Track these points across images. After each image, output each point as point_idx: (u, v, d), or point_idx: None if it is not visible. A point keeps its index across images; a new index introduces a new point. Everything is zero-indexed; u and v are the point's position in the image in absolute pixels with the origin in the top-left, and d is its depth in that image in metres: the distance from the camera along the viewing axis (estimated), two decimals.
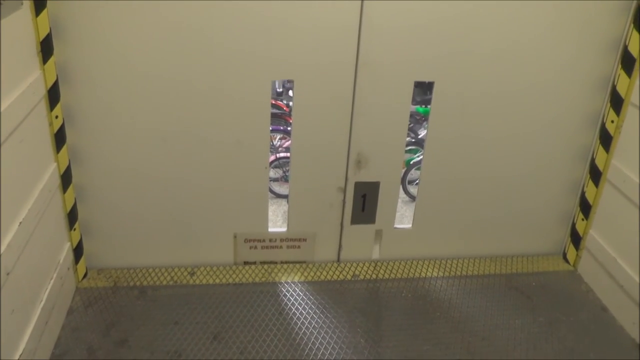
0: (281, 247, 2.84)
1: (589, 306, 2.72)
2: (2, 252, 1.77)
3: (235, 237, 2.78)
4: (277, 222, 4.87)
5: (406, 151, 5.52)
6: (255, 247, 2.82)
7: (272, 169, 5.15)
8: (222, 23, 2.30)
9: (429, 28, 2.41)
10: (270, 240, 2.82)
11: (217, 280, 2.74)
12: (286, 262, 2.88)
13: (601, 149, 2.69)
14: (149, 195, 2.62)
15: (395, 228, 2.90)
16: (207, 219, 2.72)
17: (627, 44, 2.47)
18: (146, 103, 2.41)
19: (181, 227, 2.73)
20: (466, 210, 2.91)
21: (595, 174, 2.75)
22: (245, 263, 2.84)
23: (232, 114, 2.49)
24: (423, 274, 2.88)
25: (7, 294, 1.82)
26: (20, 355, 1.92)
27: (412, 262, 2.94)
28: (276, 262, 2.86)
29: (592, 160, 2.76)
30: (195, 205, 2.68)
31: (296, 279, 2.80)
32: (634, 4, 2.44)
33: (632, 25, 2.44)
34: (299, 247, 2.85)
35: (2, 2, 1.74)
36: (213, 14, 2.28)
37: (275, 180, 5.40)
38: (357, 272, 2.85)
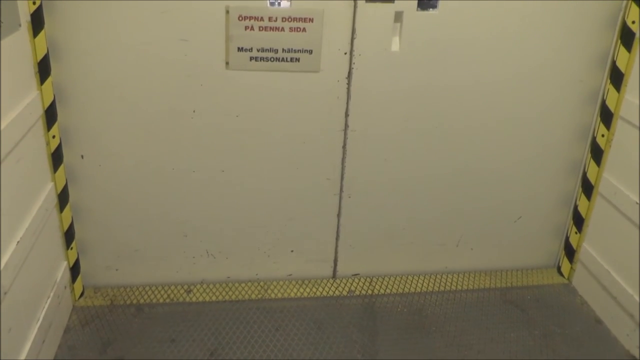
0: (283, 29, 2.38)
1: (584, 318, 2.74)
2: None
3: (227, 12, 2.32)
4: None
5: None
6: (252, 28, 2.35)
7: None
8: None
9: None
10: (270, 19, 2.36)
11: (214, 298, 2.75)
12: (288, 51, 2.42)
13: (592, 162, 2.72)
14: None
15: (419, 11, 2.42)
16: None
17: (615, 59, 2.52)
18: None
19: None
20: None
21: (587, 188, 2.78)
22: (239, 50, 2.39)
23: None
24: (418, 289, 2.89)
25: (5, 313, 1.82)
26: None
27: (407, 277, 2.95)
28: (277, 51, 2.41)
29: (584, 174, 2.79)
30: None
31: (292, 295, 2.80)
32: (620, 19, 2.48)
33: (619, 40, 2.49)
34: (304, 30, 2.38)
35: (0, 23, 1.77)
36: None
37: None
38: (352, 288, 2.86)
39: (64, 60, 2.26)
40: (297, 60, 2.43)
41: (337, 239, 2.85)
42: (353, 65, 2.47)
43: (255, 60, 2.41)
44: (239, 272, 2.86)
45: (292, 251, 2.86)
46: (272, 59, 2.42)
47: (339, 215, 2.79)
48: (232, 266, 2.84)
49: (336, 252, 2.89)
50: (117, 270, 2.74)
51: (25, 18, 2.01)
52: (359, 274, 2.96)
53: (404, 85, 2.54)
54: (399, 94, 2.56)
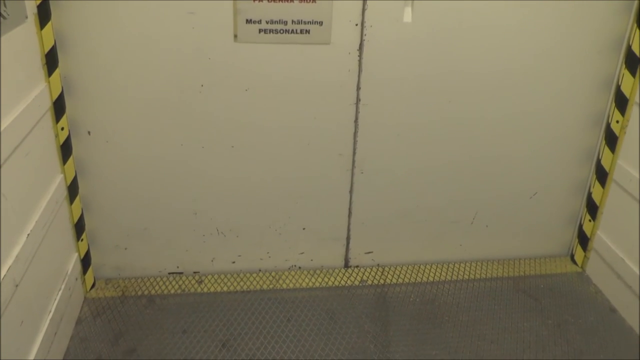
0: (292, 0, 2.30)
1: (598, 308, 2.71)
2: (10, 263, 1.78)
3: None
4: None
5: None
6: (260, 0, 2.29)
7: None
8: None
9: None
10: None
11: (225, 288, 2.75)
12: (298, 23, 2.34)
13: (607, 149, 2.68)
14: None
15: None
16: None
17: (630, 43, 2.47)
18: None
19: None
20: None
21: (602, 175, 2.74)
22: (248, 22, 2.31)
23: None
24: (430, 278, 2.87)
25: (16, 305, 1.83)
26: None
27: (419, 267, 2.94)
28: (286, 23, 2.34)
29: (598, 161, 2.75)
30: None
31: (303, 285, 2.80)
32: (636, 2, 2.43)
33: (635, 25, 2.44)
34: (314, 0, 2.30)
35: (6, 16, 1.76)
36: None
37: None
38: (364, 278, 2.85)
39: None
40: (307, 32, 2.36)
41: (349, 216, 2.82)
42: (364, 37, 2.41)
43: (265, 33, 2.34)
44: (250, 251, 2.83)
45: (303, 229, 2.82)
46: (281, 31, 2.35)
47: (351, 191, 2.75)
48: (242, 244, 2.81)
49: (349, 230, 2.85)
50: (126, 249, 2.72)
51: (31, 10, 1.99)
52: (372, 252, 2.94)
53: (417, 58, 2.48)
54: (412, 67, 2.50)
